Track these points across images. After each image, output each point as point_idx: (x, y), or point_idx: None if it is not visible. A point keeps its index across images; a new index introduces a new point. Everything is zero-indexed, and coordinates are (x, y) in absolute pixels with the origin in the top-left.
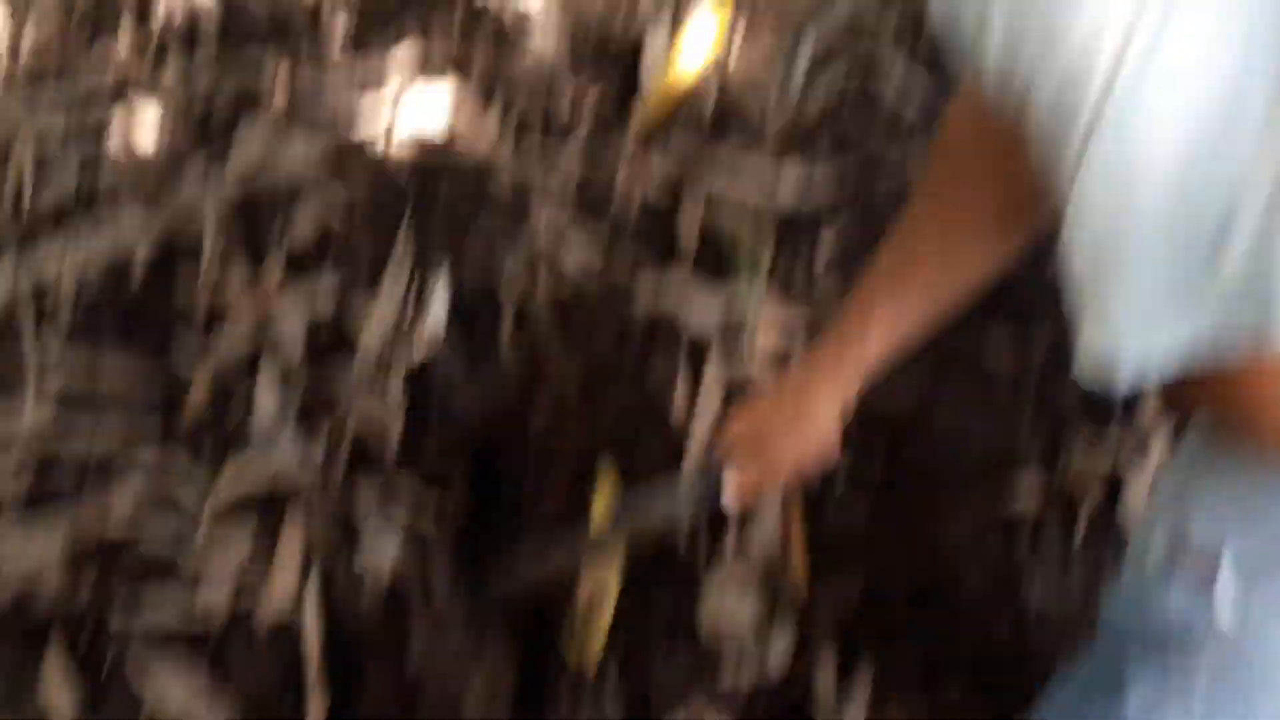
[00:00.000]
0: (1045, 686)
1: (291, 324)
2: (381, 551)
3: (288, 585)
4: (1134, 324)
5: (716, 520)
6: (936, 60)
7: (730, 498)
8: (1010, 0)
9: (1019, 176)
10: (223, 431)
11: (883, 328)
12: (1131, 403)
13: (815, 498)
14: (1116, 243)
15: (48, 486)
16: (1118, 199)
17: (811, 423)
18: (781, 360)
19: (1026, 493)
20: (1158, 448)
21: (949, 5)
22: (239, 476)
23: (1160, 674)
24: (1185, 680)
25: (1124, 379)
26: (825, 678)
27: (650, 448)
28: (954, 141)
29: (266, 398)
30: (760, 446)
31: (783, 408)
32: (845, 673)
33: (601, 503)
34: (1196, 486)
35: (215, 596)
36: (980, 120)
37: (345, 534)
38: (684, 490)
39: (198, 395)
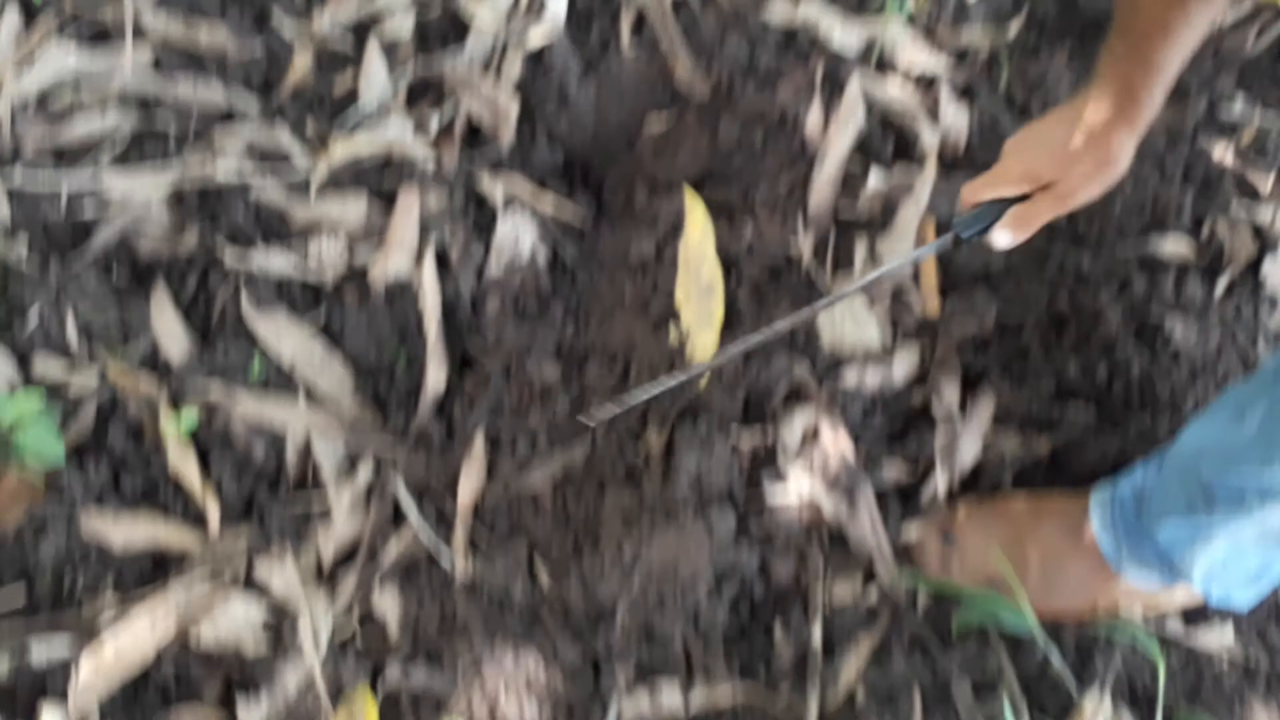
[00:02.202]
0: (1171, 426)
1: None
2: (509, 232)
3: (405, 246)
4: None
5: (845, 233)
6: None
7: (1011, 226)
8: None
9: None
10: (327, 105)
11: (1161, 66)
12: None
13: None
14: None
15: (150, 131)
16: None
17: (1110, 158)
18: (925, 85)
19: (1174, 238)
20: None
21: None
22: (352, 141)
23: None
24: None
25: None
26: (948, 394)
27: (778, 159)
28: None
29: (375, 72)
30: (1053, 175)
31: (1076, 142)
32: (969, 392)
33: (695, 229)
34: None
35: (330, 249)
36: None
37: (464, 209)
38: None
39: (301, 65)
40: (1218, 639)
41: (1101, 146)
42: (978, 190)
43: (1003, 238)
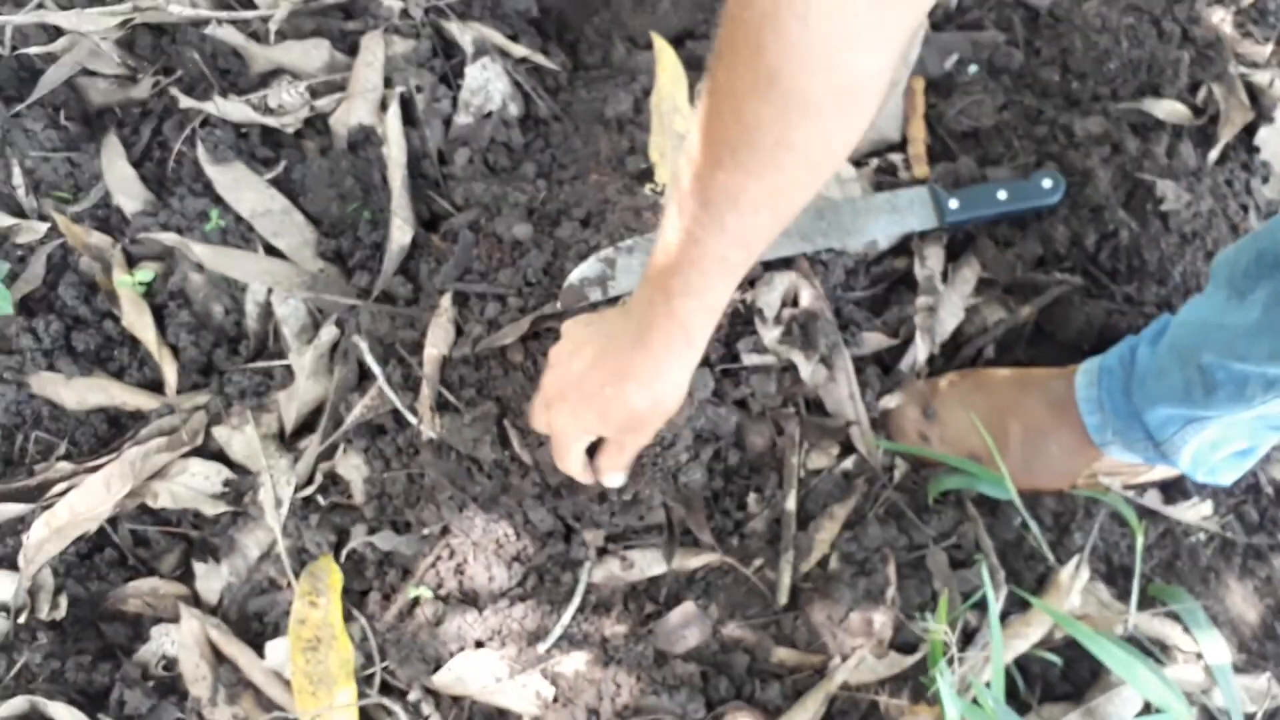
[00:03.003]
0: (1159, 294)
1: None
2: (478, 81)
3: (369, 94)
4: None
5: None
6: None
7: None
8: None
9: None
10: None
11: (734, 254)
12: None
13: (945, 77)
14: None
15: None
16: None
17: (667, 400)
18: None
19: (1169, 101)
20: None
21: None
22: None
23: None
24: None
25: None
26: (932, 260)
27: None
28: None
29: None
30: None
31: (633, 388)
32: (953, 257)
33: (665, 77)
34: None
35: (291, 96)
36: None
37: (432, 56)
38: None
39: None
40: (1195, 513)
41: (648, 392)
42: (570, 466)
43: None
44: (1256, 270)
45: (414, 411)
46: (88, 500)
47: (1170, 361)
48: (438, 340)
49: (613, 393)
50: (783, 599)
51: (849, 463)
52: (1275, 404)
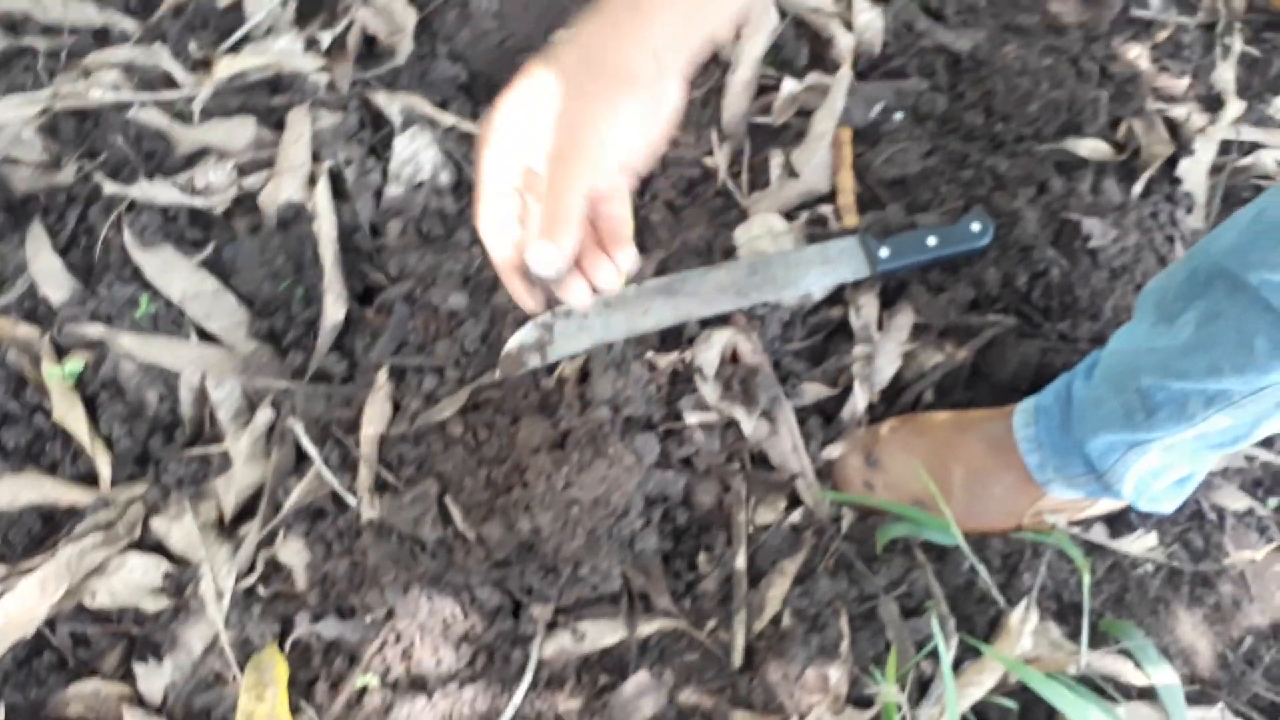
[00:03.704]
0: (1091, 329)
1: None
2: (407, 152)
3: (297, 170)
4: None
5: (760, 144)
6: None
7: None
8: None
9: None
10: (212, 24)
11: None
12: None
13: (871, 126)
14: None
15: (18, 50)
16: None
17: (591, 74)
18: None
19: (1091, 139)
20: (1230, 111)
21: None
22: (237, 58)
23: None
24: None
25: None
26: (866, 308)
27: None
28: None
29: None
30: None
31: (566, 38)
32: (887, 305)
33: None
34: None
35: (218, 175)
36: None
37: (360, 129)
38: None
39: None
40: (1141, 545)
41: (580, 49)
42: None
43: (543, 260)
44: (1188, 291)
45: (353, 493)
46: (23, 603)
47: (1106, 390)
48: (375, 418)
49: (546, 49)
50: (737, 660)
51: (796, 515)
52: (1216, 419)
